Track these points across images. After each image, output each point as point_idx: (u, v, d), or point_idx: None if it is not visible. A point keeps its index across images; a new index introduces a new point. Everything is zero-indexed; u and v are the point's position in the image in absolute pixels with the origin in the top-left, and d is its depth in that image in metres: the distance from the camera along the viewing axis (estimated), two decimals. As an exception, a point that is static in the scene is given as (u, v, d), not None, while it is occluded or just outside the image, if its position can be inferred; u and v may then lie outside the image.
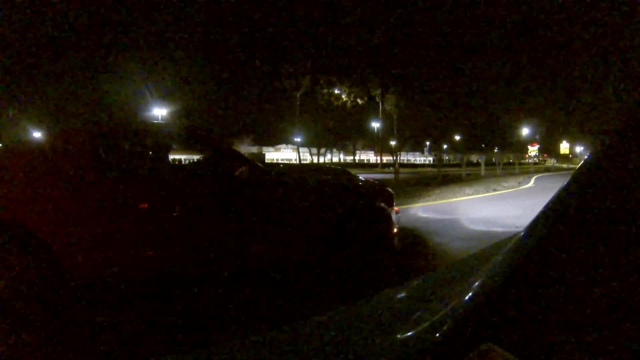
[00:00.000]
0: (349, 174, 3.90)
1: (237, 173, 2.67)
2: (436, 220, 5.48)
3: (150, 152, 3.04)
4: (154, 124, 3.38)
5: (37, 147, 2.81)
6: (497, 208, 6.84)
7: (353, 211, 2.93)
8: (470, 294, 0.53)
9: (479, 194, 9.25)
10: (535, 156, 72.90)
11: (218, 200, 2.72)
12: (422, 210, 6.37)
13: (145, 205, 2.52)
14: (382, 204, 3.05)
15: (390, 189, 3.29)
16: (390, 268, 3.10)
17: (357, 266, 2.89)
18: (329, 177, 3.51)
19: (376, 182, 3.62)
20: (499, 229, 4.82)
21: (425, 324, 0.57)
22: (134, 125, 3.35)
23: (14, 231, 2.30)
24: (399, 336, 0.58)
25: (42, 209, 2.35)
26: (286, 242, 2.78)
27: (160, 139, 3.03)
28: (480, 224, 5.16)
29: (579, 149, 67.75)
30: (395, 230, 3.10)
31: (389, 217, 3.06)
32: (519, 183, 13.07)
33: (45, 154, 2.58)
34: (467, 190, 9.70)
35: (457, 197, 8.41)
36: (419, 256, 3.68)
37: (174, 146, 3.21)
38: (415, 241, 4.22)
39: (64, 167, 2.50)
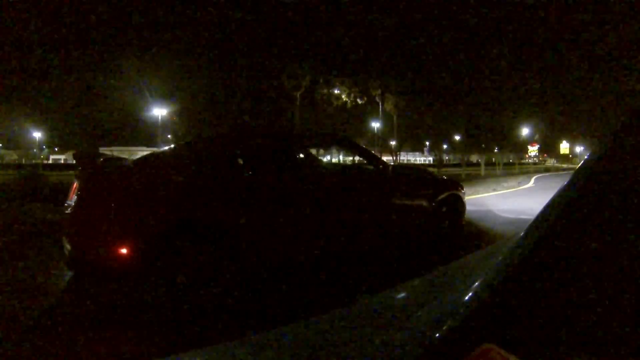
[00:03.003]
0: (430, 172, 4.85)
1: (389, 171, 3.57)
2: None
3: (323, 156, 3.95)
4: (325, 134, 4.14)
5: (225, 149, 2.97)
6: (498, 207, 6.88)
7: (446, 196, 3.87)
8: (470, 293, 0.53)
9: (478, 194, 9.26)
10: (535, 156, 72.77)
11: (387, 191, 3.54)
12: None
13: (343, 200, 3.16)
14: (459, 192, 4.04)
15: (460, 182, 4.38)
16: (463, 242, 3.95)
17: (441, 238, 3.81)
18: (424, 173, 4.50)
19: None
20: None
21: (425, 324, 0.57)
22: (312, 133, 4.02)
23: (212, 230, 2.48)
24: (399, 336, 0.58)
25: (234, 208, 2.60)
26: (414, 217, 3.68)
27: (329, 145, 4.10)
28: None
29: (579, 149, 67.60)
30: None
31: (464, 203, 4.09)
32: (519, 183, 13.07)
33: (234, 155, 2.91)
34: (467, 190, 9.69)
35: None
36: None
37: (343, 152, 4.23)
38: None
39: (260, 168, 2.87)
